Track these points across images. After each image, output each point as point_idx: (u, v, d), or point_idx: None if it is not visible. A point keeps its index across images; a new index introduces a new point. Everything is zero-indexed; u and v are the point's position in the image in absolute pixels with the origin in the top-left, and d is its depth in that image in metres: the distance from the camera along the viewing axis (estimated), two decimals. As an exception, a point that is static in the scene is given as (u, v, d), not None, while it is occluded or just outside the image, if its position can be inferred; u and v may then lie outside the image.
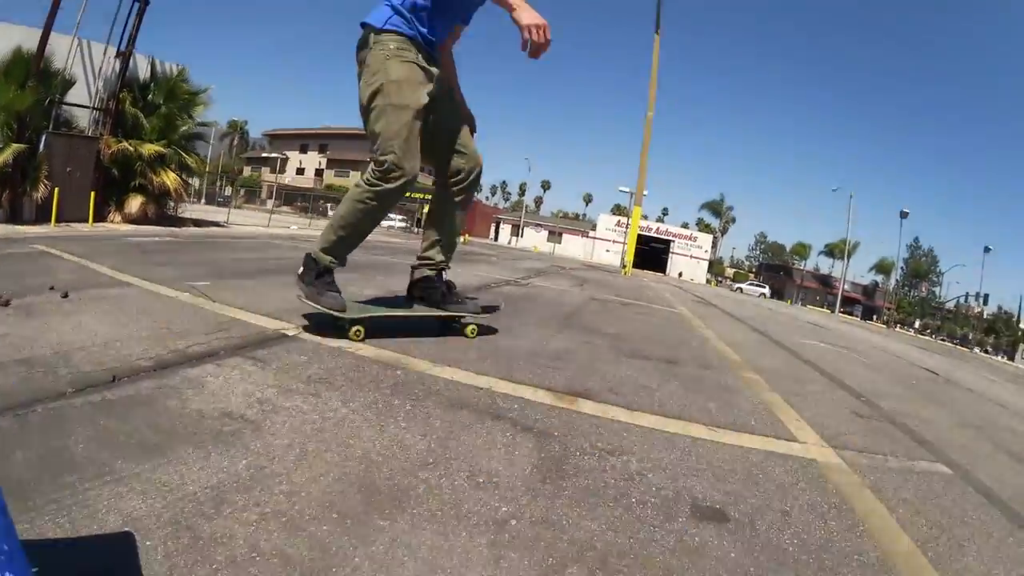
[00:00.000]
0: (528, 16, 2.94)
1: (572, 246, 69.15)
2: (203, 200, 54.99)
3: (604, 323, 6.07)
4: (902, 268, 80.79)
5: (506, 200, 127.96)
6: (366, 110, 3.24)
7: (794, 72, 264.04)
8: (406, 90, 3.18)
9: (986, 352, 56.13)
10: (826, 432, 3.08)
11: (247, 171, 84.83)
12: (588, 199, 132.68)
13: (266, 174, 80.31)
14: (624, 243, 66.20)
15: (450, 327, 3.89)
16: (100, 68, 16.07)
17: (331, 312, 3.24)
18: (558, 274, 14.48)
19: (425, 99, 3.25)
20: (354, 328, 3.25)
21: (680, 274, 65.16)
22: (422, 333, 3.63)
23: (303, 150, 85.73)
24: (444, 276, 3.82)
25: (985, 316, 79.06)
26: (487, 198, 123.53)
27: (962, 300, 74.20)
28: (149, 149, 15.96)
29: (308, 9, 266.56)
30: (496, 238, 76.85)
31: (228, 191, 68.58)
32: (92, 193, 14.93)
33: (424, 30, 3.25)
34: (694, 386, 3.61)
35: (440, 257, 3.79)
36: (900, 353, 12.63)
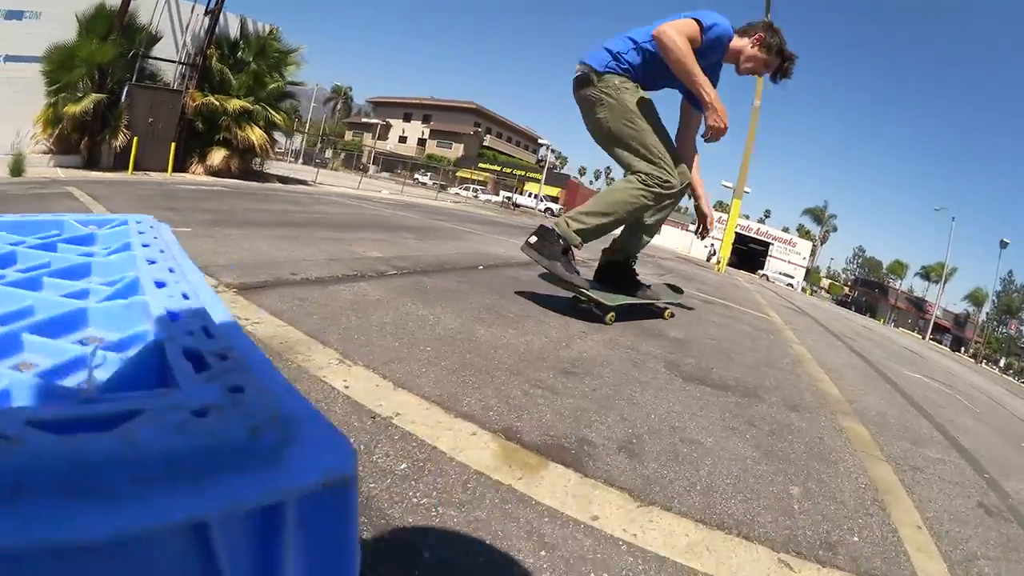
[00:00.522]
0: (713, 118, 3.52)
1: (671, 238, 66.82)
2: (300, 160, 55.73)
3: (668, 323, 4.66)
4: (993, 301, 75.28)
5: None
6: (612, 137, 3.74)
7: (910, 84, 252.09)
8: (645, 114, 3.67)
9: None
10: (955, 555, 1.85)
11: (349, 136, 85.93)
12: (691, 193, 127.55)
13: (367, 140, 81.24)
14: (719, 239, 64.17)
15: (652, 312, 4.72)
16: (187, 24, 16.34)
17: (580, 291, 3.76)
18: (641, 262, 13.24)
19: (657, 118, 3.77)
20: (609, 315, 3.87)
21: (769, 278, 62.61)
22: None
23: (406, 119, 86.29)
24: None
25: None
26: (591, 182, 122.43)
27: None
28: (235, 104, 16.00)
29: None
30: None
31: (329, 153, 69.77)
32: (173, 144, 15.25)
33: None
34: (774, 445, 2.36)
35: (635, 249, 4.27)
36: (996, 397, 10.73)
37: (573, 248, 3.67)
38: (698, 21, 3.45)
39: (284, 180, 18.48)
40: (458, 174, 68.39)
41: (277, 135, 18.71)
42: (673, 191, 3.71)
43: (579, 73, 3.75)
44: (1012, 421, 7.24)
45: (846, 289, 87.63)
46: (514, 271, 5.76)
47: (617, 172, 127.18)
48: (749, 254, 67.50)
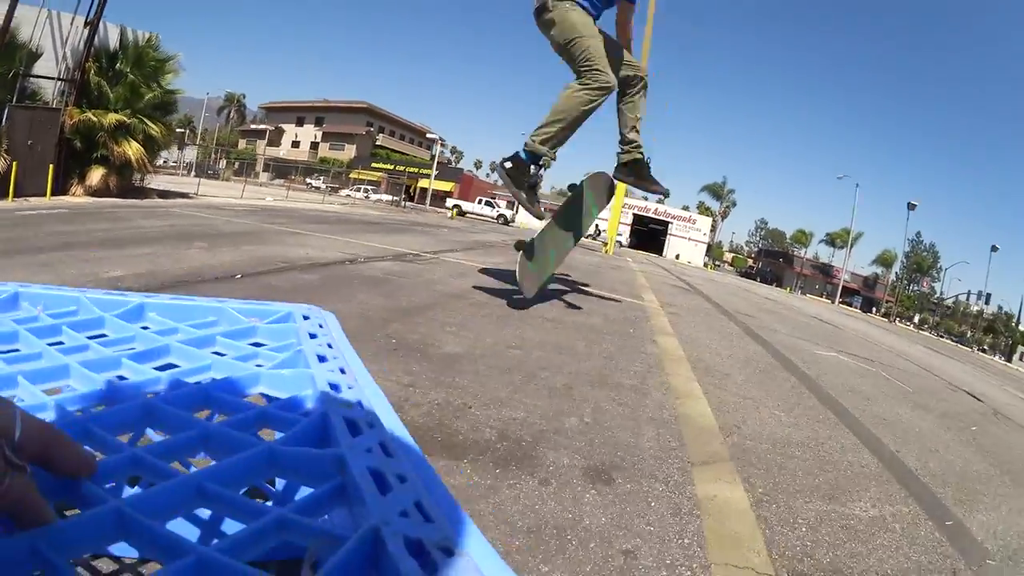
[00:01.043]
0: None
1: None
2: (193, 173, 53.80)
3: (448, 333, 3.81)
4: (902, 262, 79.58)
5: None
6: (564, 48, 4.78)
7: (804, 55, 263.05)
8: (589, 27, 4.77)
9: (983, 351, 55.31)
10: None
11: (243, 144, 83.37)
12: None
13: (261, 146, 79.07)
14: (619, 222, 65.25)
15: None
16: (67, 38, 15.40)
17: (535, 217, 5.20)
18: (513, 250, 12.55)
19: (598, 32, 4.88)
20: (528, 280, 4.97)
21: (677, 256, 63.85)
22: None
23: (299, 123, 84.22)
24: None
25: (985, 315, 78.25)
26: (487, 175, 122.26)
27: (963, 298, 73.27)
28: (110, 119, 15.18)
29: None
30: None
31: (223, 164, 67.54)
32: (51, 166, 14.36)
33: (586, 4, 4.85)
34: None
35: (637, 139, 5.38)
36: (922, 361, 10.31)
37: (541, 168, 4.78)
38: None
39: (164, 195, 17.60)
40: (351, 175, 67.37)
41: (176, 148, 17.90)
42: (609, 86, 4.66)
43: (537, 3, 4.84)
44: (950, 395, 6.65)
45: (750, 261, 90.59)
46: (284, 277, 5.13)
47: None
48: (649, 234, 68.88)
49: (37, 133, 14.32)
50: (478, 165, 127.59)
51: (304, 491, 0.65)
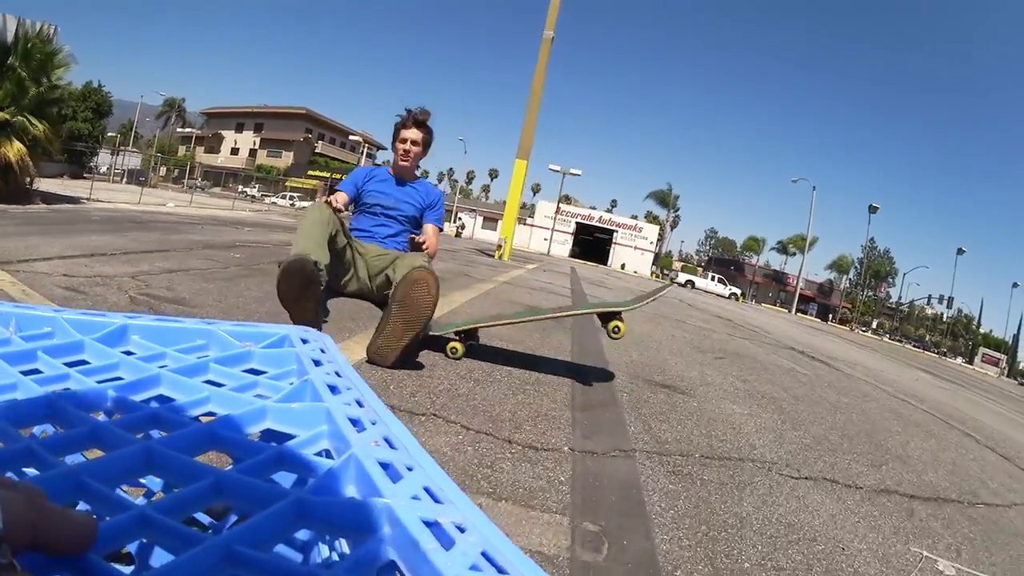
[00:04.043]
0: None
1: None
2: (124, 179, 52.60)
3: None
4: (856, 268, 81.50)
5: (452, 187, 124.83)
6: None
7: (751, 56, 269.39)
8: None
9: (943, 355, 56.93)
10: None
11: (183, 150, 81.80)
12: (537, 188, 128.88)
13: (200, 154, 77.63)
14: (561, 231, 65.36)
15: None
16: None
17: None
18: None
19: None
20: None
21: (623, 266, 64.13)
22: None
23: (239, 129, 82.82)
24: None
25: (945, 319, 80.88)
26: (436, 183, 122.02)
27: (923, 302, 75.58)
28: None
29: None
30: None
31: (163, 171, 66.27)
32: None
33: None
34: None
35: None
36: (902, 385, 8.62)
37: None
38: None
39: (47, 199, 16.56)
40: (287, 183, 66.78)
41: (109, 154, 17.00)
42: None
43: None
44: (965, 444, 5.00)
45: (699, 270, 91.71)
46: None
47: (460, 173, 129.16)
48: (594, 243, 69.13)
49: (-85, 135, 13.48)
50: (424, 175, 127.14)
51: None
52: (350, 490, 0.54)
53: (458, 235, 44.96)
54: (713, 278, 56.54)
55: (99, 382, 0.66)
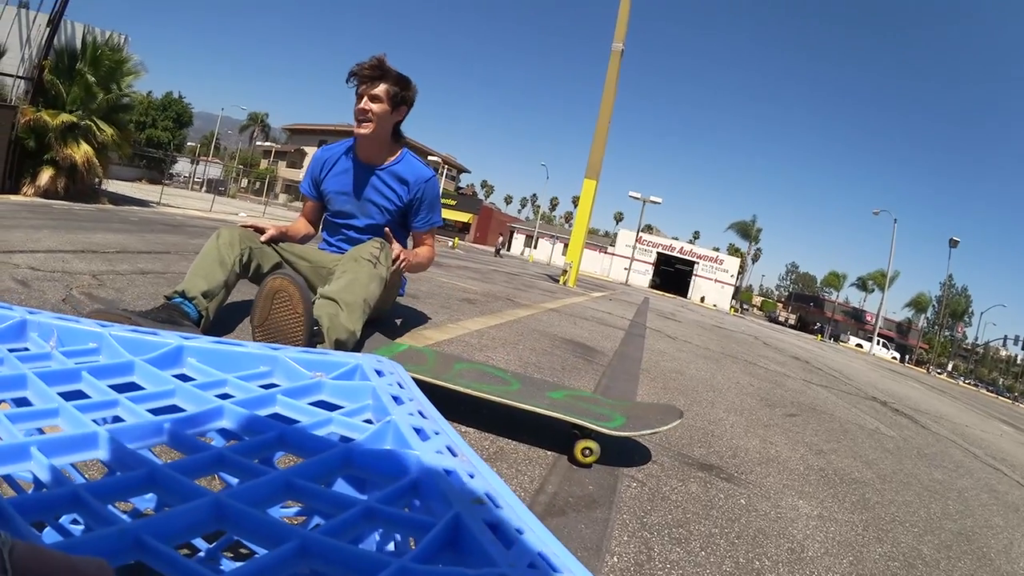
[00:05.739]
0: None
1: (589, 261, 66.99)
2: (203, 188, 54.67)
3: None
4: (934, 306, 78.50)
5: (535, 213, 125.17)
6: None
7: (840, 93, 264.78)
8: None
9: (1015, 400, 54.10)
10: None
11: (264, 164, 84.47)
12: (620, 217, 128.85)
13: (281, 168, 79.99)
14: (641, 260, 64.60)
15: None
16: (30, 35, 15.73)
17: None
18: (458, 273, 10.36)
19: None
20: None
21: (703, 299, 62.68)
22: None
23: (320, 146, 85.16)
24: None
25: (1019, 361, 77.45)
26: (518, 211, 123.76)
27: (1000, 344, 72.51)
28: (59, 119, 14.97)
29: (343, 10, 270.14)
30: (508, 247, 75.27)
31: (244, 183, 68.62)
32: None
33: None
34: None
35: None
36: (990, 445, 6.80)
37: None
38: None
39: (115, 201, 17.12)
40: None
41: (190, 163, 17.63)
42: None
43: None
44: None
45: (779, 306, 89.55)
46: None
47: (544, 199, 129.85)
48: (675, 275, 68.04)
49: (-9, 131, 14.59)
50: (508, 200, 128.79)
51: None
52: (453, 555, 0.46)
53: (498, 253, 42.47)
54: (879, 342, 55.14)
55: (151, 411, 0.57)
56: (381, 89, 2.94)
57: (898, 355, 63.99)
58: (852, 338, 63.34)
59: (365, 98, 2.93)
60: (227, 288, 2.55)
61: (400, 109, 3.06)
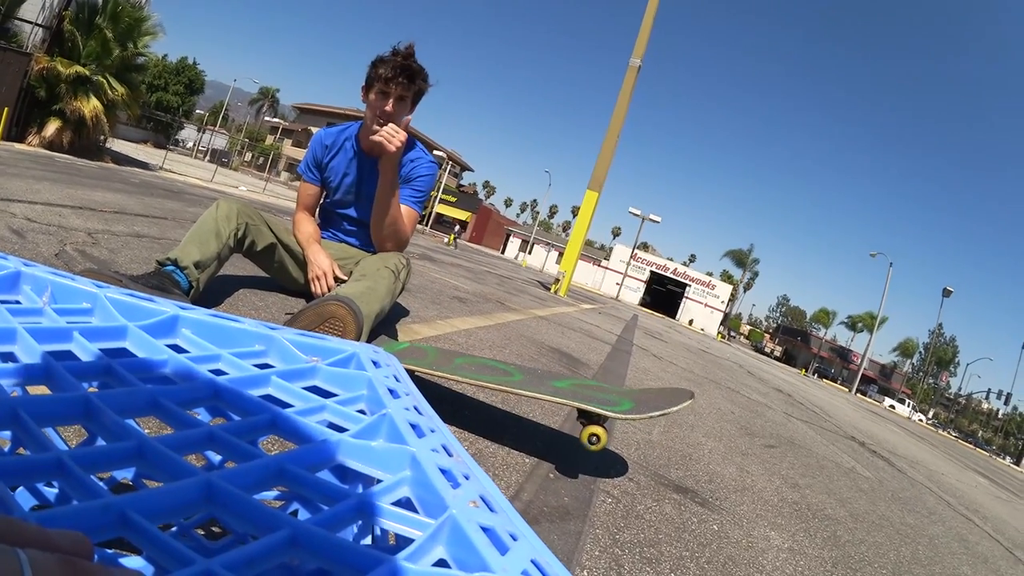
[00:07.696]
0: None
1: (583, 272, 67.10)
2: (207, 157, 54.64)
3: None
4: (921, 353, 79.17)
5: (534, 219, 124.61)
6: None
7: (850, 129, 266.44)
8: None
9: (995, 454, 54.44)
10: None
11: (270, 140, 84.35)
12: (617, 232, 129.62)
13: (287, 146, 79.88)
14: (634, 277, 64.71)
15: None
16: None
17: None
18: (458, 271, 11.29)
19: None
20: None
21: (691, 322, 62.98)
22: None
23: (329, 127, 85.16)
24: None
25: (1000, 415, 78.19)
26: (517, 215, 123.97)
27: (983, 396, 73.17)
28: (71, 70, 15.02)
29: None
30: (503, 250, 75.41)
31: (248, 156, 68.59)
32: (6, 110, 14.42)
33: None
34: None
35: None
36: (964, 495, 6.99)
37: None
38: None
39: (118, 160, 17.21)
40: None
41: (196, 131, 17.56)
42: None
43: None
44: None
45: (767, 337, 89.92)
46: None
47: (544, 207, 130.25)
48: (666, 295, 68.37)
49: (2, 75, 14.36)
50: (508, 203, 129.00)
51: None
52: (451, 559, 0.45)
53: (455, 242, 40.09)
54: (903, 400, 58.36)
55: (142, 380, 0.56)
56: (411, 91, 2.78)
57: (929, 419, 65.70)
58: (886, 399, 64.15)
59: (392, 100, 2.72)
60: (219, 261, 2.50)
61: (414, 108, 2.90)
